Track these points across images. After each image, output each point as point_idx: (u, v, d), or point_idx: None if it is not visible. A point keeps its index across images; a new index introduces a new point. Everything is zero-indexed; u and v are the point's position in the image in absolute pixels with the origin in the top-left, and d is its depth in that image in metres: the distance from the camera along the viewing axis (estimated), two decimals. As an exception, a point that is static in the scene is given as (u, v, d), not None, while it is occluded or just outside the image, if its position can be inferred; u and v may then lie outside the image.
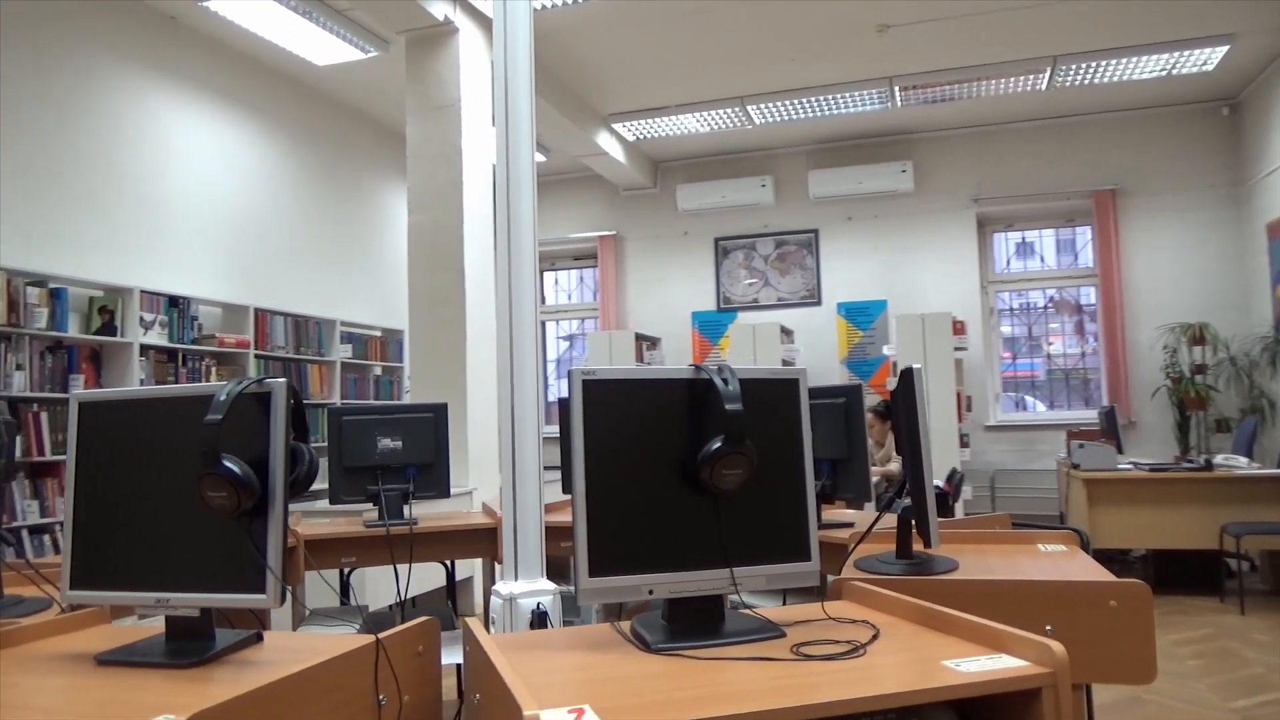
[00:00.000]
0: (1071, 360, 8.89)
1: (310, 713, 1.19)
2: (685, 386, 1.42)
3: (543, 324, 10.60)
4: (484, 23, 6.20)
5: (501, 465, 2.37)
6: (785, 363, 8.54)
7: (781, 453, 1.46)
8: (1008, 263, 9.06)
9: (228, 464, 1.30)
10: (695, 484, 1.39)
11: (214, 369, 6.02)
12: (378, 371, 7.74)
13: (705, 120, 8.36)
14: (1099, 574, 1.88)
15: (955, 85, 7.62)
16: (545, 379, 10.50)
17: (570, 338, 10.69)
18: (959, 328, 7.77)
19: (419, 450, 3.02)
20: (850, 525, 2.88)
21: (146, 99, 5.89)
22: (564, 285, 10.68)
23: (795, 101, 7.94)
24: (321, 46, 6.47)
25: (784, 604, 1.90)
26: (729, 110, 8.12)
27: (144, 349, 5.48)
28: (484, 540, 3.21)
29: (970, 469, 8.22)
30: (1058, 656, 1.14)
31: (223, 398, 1.33)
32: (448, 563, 3.74)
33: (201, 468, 1.30)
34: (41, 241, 5.10)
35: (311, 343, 6.94)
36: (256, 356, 6.35)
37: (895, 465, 6.39)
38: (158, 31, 6.02)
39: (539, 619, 2.21)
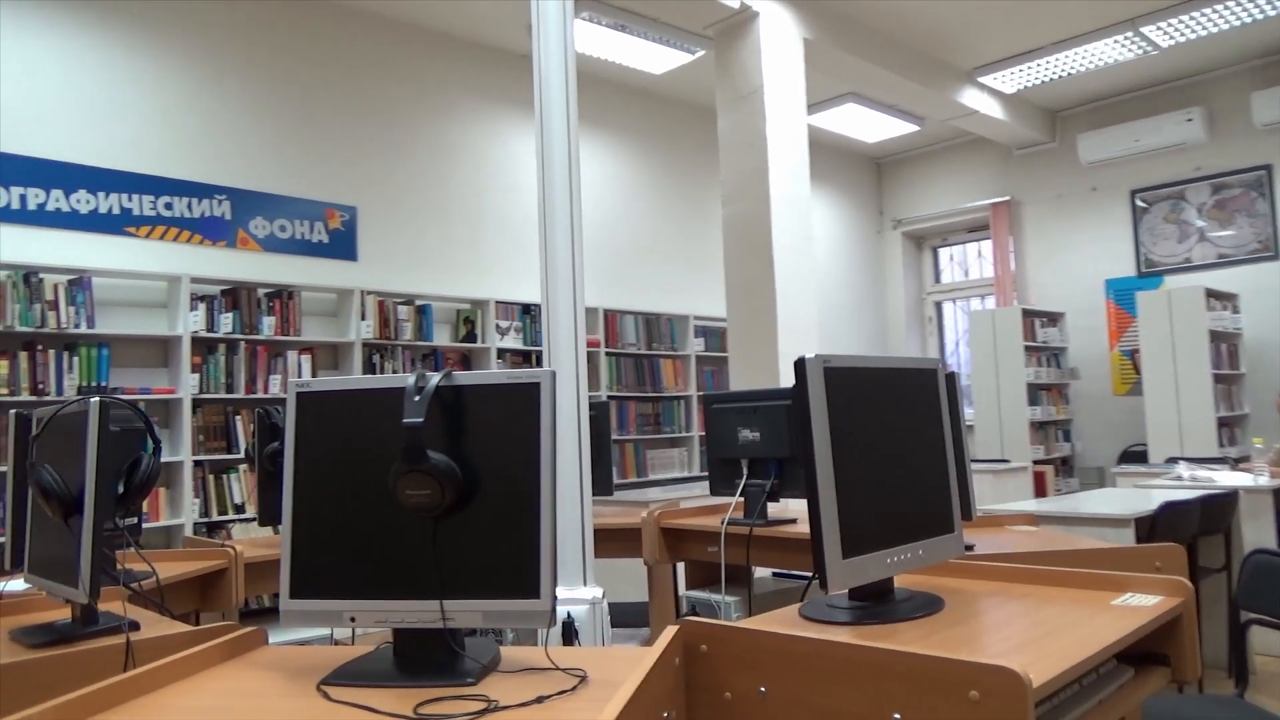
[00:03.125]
0: None
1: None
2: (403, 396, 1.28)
3: (938, 304, 9.89)
4: (786, 2, 5.99)
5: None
6: (1216, 335, 6.93)
7: (511, 472, 1.24)
8: None
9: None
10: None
11: (566, 367, 6.63)
12: (738, 363, 7.88)
13: (1095, 55, 7.12)
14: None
15: None
16: (944, 360, 9.78)
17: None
18: None
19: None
20: (793, 521, 2.71)
21: (500, 130, 6.69)
22: (959, 260, 9.83)
23: (1211, 9, 6.39)
24: (652, 56, 6.77)
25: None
26: (1121, 38, 6.82)
27: (500, 352, 6.24)
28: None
29: None
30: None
31: None
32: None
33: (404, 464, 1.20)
34: (410, 266, 6.07)
35: (664, 338, 7.30)
36: (607, 354, 6.86)
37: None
38: (510, 68, 6.79)
39: (566, 630, 2.12)
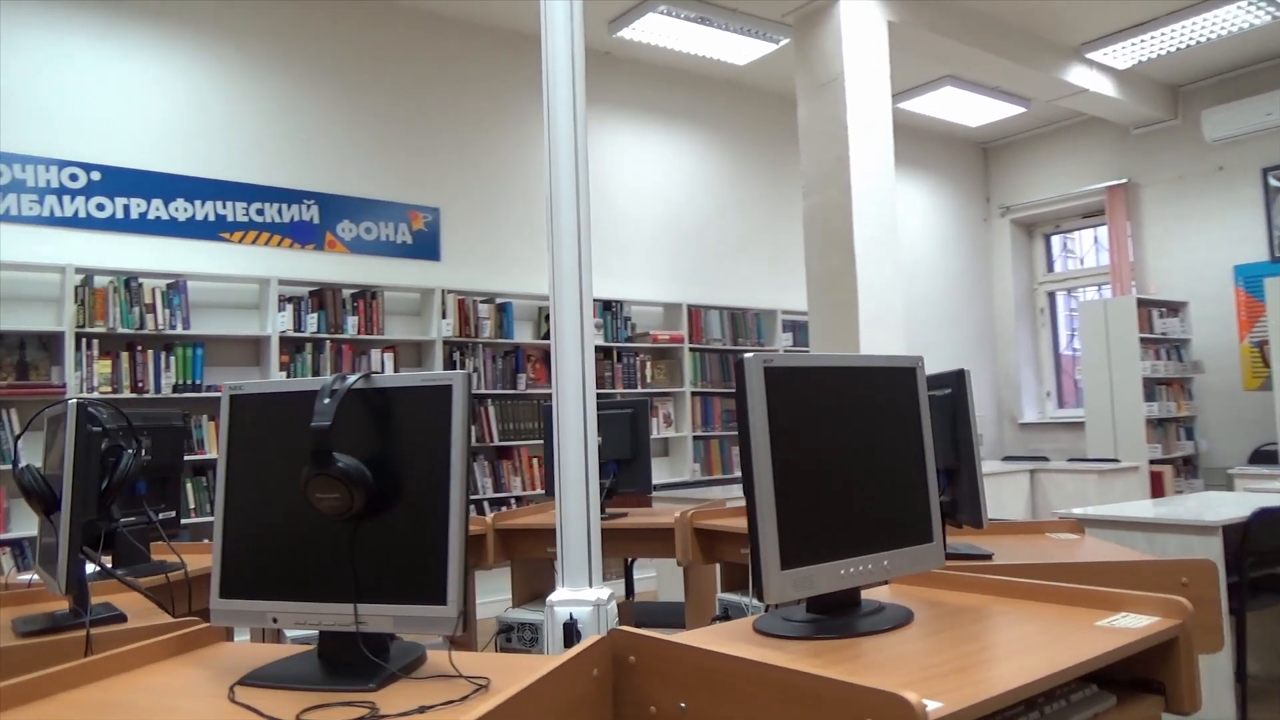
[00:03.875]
0: None
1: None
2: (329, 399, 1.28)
3: (1050, 295, 9.39)
4: (871, -18, 5.78)
5: (557, 461, 2.29)
6: (1358, 324, 6.31)
7: (424, 476, 1.22)
8: None
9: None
10: (329, 505, 1.24)
11: (648, 364, 6.62)
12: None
13: (1219, 23, 6.60)
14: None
15: None
16: (1059, 353, 9.30)
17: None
18: None
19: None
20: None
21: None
22: (1074, 249, 9.30)
23: (1344, -31, 5.83)
24: (735, 47, 6.68)
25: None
26: (1248, 3, 6.29)
27: (581, 349, 6.27)
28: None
29: None
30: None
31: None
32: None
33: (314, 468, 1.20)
34: (492, 265, 6.17)
35: (750, 333, 7.19)
36: (691, 349, 6.81)
37: None
38: (596, 67, 6.81)
39: (568, 631, 2.10)
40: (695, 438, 6.79)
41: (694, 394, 6.79)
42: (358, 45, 5.78)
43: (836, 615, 1.40)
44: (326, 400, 1.21)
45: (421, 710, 1.07)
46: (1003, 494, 6.13)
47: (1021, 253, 9.42)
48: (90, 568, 1.76)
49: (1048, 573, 1.77)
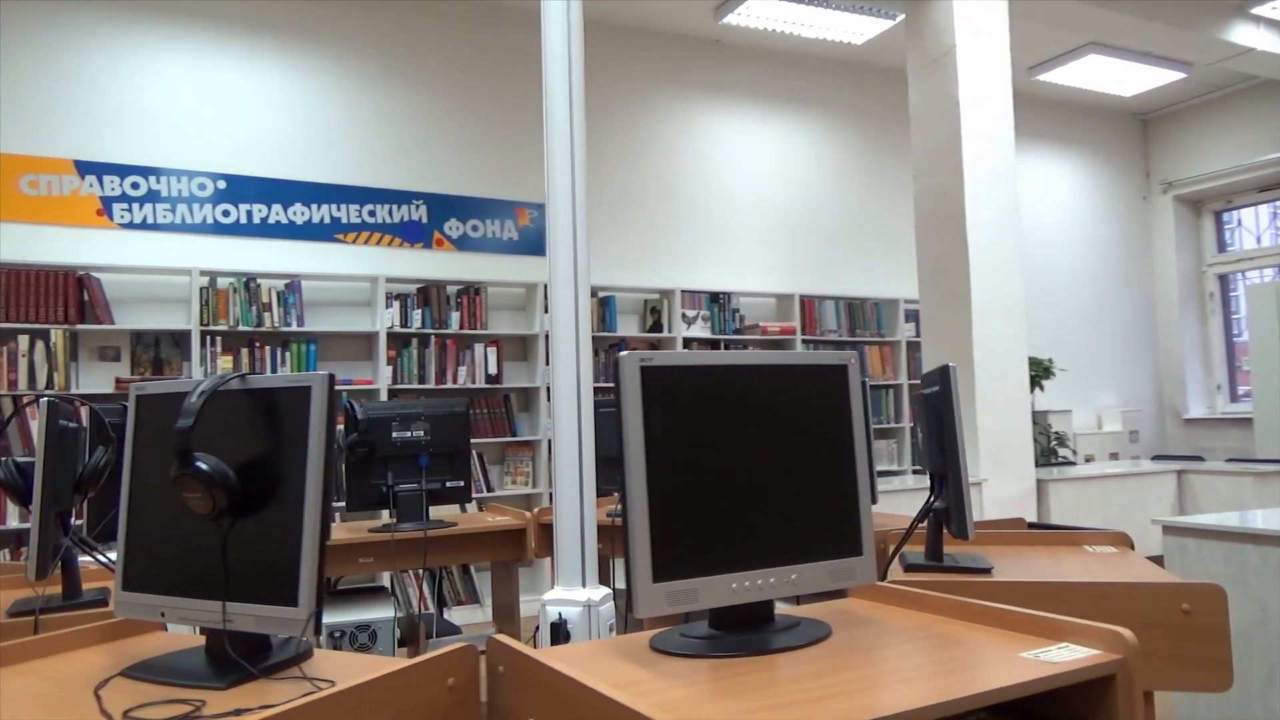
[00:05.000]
0: None
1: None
2: (226, 398, 1.30)
3: (1221, 278, 8.53)
4: (988, -53, 5.41)
5: (554, 459, 2.26)
6: None
7: (283, 478, 1.22)
8: None
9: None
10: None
11: (758, 356, 6.48)
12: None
13: None
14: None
15: None
16: (1231, 342, 8.43)
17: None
18: None
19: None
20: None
21: (686, 116, 6.64)
22: (1250, 226, 8.40)
23: None
24: (851, 26, 6.42)
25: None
26: None
27: (686, 341, 6.22)
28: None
29: None
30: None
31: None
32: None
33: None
34: (598, 258, 6.20)
35: (869, 323, 6.91)
36: (804, 341, 6.62)
37: None
38: (696, 54, 6.72)
39: (555, 631, 2.07)
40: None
41: (807, 387, 6.59)
42: (461, 48, 5.94)
43: (741, 632, 1.30)
44: (193, 400, 1.23)
45: (238, 713, 1.07)
46: (1146, 498, 5.62)
47: (1187, 232, 8.59)
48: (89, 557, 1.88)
49: (1033, 591, 1.59)
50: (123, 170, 4.98)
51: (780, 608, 1.47)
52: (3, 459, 1.68)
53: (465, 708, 1.21)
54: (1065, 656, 1.17)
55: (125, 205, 4.97)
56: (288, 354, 5.11)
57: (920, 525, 1.92)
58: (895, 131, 7.47)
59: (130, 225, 4.97)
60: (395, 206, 5.65)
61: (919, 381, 2.78)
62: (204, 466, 1.21)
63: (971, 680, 1.09)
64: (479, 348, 5.61)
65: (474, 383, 5.54)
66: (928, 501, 1.85)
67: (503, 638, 1.26)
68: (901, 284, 7.27)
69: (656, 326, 6.21)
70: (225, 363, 4.95)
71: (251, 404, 1.27)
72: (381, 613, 2.64)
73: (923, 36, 5.46)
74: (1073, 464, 6.48)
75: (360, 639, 2.61)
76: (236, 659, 1.22)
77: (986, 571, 1.80)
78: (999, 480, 5.09)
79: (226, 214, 5.21)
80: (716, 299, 6.38)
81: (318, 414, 1.22)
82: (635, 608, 1.21)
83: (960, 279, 5.22)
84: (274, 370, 5.05)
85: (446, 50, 5.89)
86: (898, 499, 4.93)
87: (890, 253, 7.34)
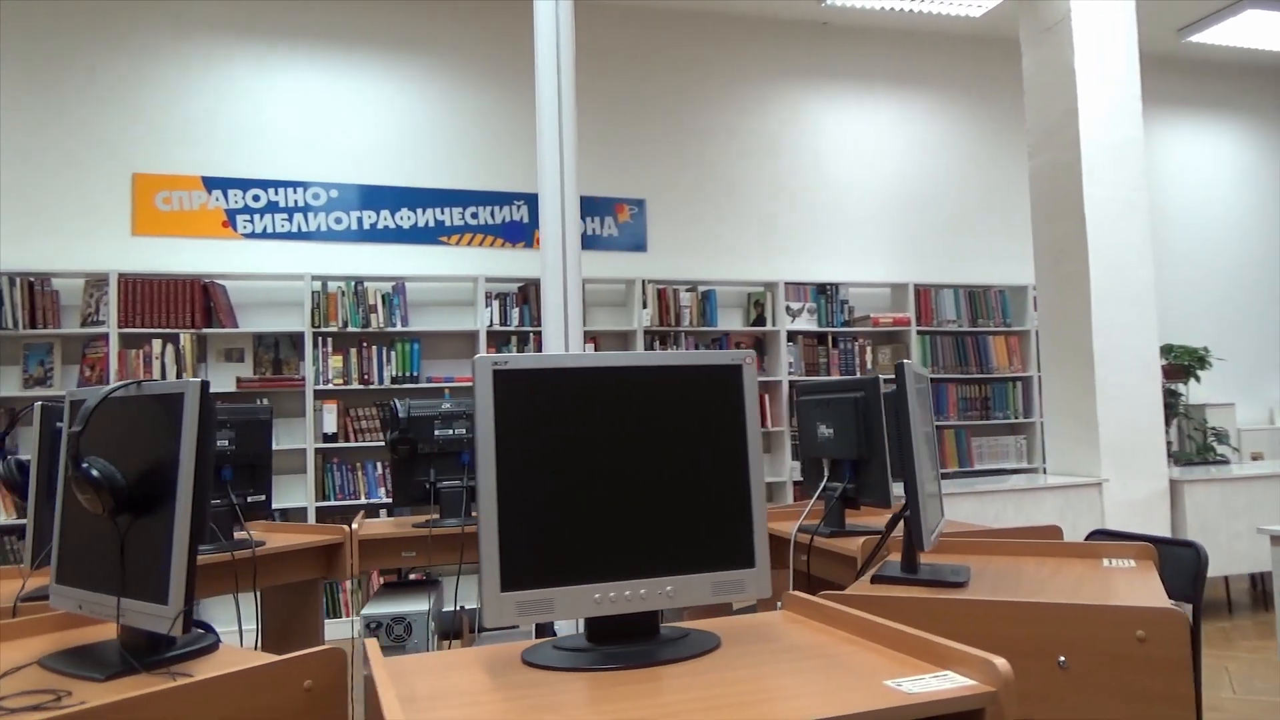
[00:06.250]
0: None
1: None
2: (167, 402, 1.37)
3: None
4: (1109, -100, 4.96)
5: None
6: None
7: (164, 481, 1.26)
8: None
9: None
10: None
11: (868, 348, 6.24)
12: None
13: None
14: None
15: None
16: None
17: None
18: None
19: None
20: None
21: (791, 103, 6.46)
22: None
23: None
24: (964, -3, 6.08)
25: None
26: None
27: (791, 335, 6.07)
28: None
29: None
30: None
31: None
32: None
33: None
34: (699, 253, 6.14)
35: (993, 312, 6.52)
36: (920, 333, 6.32)
37: None
38: (801, 39, 6.53)
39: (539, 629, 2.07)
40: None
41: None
42: (561, 48, 6.01)
43: (616, 644, 1.26)
44: (86, 406, 1.30)
45: (56, 697, 1.12)
46: (1263, 506, 5.03)
47: (1380, 201, 7.61)
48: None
49: (974, 610, 1.45)
50: (245, 184, 5.35)
51: (722, 620, 1.41)
52: (6, 458, 1.85)
53: (327, 711, 1.23)
54: (934, 686, 1.06)
55: (247, 216, 5.34)
56: (393, 353, 5.34)
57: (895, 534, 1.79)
58: (1017, 110, 7.00)
59: (252, 235, 5.34)
60: (497, 208, 5.80)
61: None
62: (92, 470, 1.28)
63: (804, 708, 1.01)
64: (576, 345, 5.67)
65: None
66: (901, 509, 1.73)
67: (370, 644, 1.27)
68: (1029, 270, 6.81)
69: (760, 320, 6.09)
70: (336, 362, 5.23)
71: (140, 411, 1.33)
72: (418, 606, 2.72)
73: (1036, 3, 5.08)
74: (1227, 463, 5.88)
75: (396, 630, 2.69)
76: (124, 653, 1.28)
77: (958, 586, 1.65)
78: (1122, 482, 4.69)
79: (339, 221, 5.50)
80: (824, 290, 6.18)
81: (189, 420, 1.26)
82: (484, 617, 1.19)
83: (1078, 262, 4.83)
84: (381, 369, 5.30)
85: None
86: (1020, 500, 4.62)
87: (1015, 236, 6.89)
